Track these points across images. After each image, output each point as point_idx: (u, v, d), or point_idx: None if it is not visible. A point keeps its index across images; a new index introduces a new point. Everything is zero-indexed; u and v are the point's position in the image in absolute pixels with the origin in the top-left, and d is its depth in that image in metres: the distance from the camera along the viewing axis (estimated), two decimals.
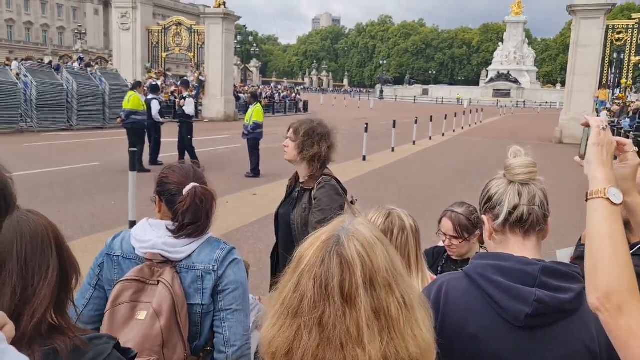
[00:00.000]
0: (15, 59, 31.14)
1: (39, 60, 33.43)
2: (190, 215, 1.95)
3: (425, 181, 13.08)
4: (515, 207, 1.48)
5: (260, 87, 52.19)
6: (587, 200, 1.35)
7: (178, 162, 2.16)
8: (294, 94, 46.42)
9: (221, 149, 16.78)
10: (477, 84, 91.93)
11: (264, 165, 12.58)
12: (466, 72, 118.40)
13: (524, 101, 71.71)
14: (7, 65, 24.91)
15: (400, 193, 11.23)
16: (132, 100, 12.62)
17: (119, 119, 13.06)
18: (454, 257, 2.80)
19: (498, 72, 78.38)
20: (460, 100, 68.99)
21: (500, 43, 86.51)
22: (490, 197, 1.54)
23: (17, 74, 20.46)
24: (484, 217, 1.56)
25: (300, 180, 3.21)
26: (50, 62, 33.43)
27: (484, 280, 1.44)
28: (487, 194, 1.56)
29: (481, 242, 2.77)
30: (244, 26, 65.52)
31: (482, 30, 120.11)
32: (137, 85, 13.64)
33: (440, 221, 2.78)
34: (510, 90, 75.14)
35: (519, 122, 39.59)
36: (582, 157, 1.46)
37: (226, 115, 28.56)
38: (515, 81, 76.37)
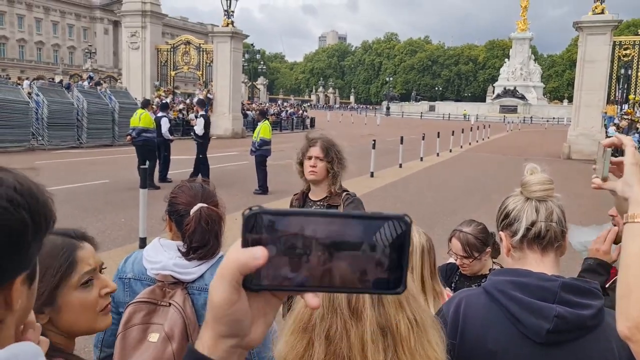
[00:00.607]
0: (27, 78, 31.57)
1: (50, 80, 33.85)
2: (198, 237, 1.93)
3: (433, 197, 13.03)
4: (533, 224, 1.48)
5: (268, 104, 52.52)
6: (625, 223, 1.32)
7: (188, 180, 2.15)
8: (301, 111, 46.66)
9: (229, 165, 16.84)
10: (483, 100, 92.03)
11: (271, 182, 12.60)
12: (472, 89, 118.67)
13: (531, 117, 71.64)
14: (19, 84, 25.22)
15: (408, 209, 11.15)
16: (143, 118, 12.76)
17: (128, 137, 13.18)
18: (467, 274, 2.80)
19: (504, 88, 78.46)
20: (467, 117, 69.02)
21: (506, 59, 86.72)
22: (508, 214, 1.54)
23: (29, 93, 20.72)
24: (502, 234, 1.56)
25: (318, 198, 3.20)
26: (61, 81, 33.87)
27: (504, 296, 1.44)
28: (504, 211, 1.56)
29: (493, 257, 2.78)
30: (252, 44, 66.23)
31: (488, 47, 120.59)
32: (146, 104, 13.81)
33: (450, 240, 2.78)
34: (517, 106, 75.14)
35: (527, 138, 39.50)
36: (605, 179, 1.43)
37: (234, 133, 28.72)
38: (522, 97, 76.38)
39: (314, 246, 0.60)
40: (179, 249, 1.97)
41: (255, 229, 0.61)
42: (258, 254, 0.59)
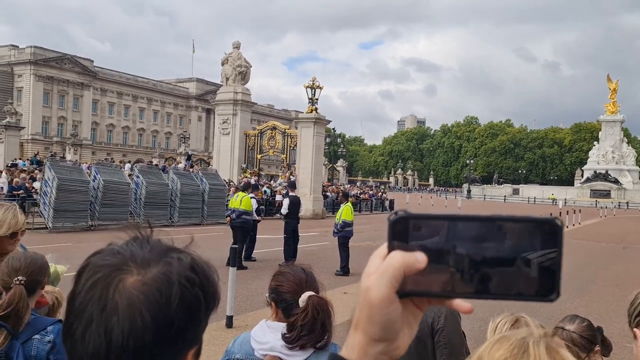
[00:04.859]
0: (129, 162, 34.46)
1: (149, 162, 36.70)
2: (308, 327, 1.98)
3: None
4: None
5: (348, 186, 53.34)
6: None
7: (288, 266, 2.24)
8: (380, 193, 46.91)
9: (310, 246, 17.06)
10: (571, 183, 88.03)
11: (352, 263, 12.58)
12: (559, 172, 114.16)
13: (627, 202, 67.07)
14: (121, 167, 27.54)
15: None
16: (245, 202, 13.19)
17: (228, 218, 13.64)
18: None
19: (595, 172, 74.77)
20: (555, 201, 66.03)
21: (595, 142, 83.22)
22: None
23: (129, 175, 22.52)
24: (636, 331, 1.50)
25: None
26: (157, 164, 36.60)
27: None
28: (638, 307, 1.51)
29: (605, 355, 2.52)
30: (333, 129, 68.86)
31: (574, 130, 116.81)
32: (247, 187, 14.00)
33: None
34: (610, 190, 70.96)
35: (623, 224, 36.95)
36: None
37: (314, 213, 29.24)
38: (615, 181, 72.23)
39: (464, 260, 0.60)
40: (283, 335, 2.02)
41: (401, 234, 0.61)
42: (421, 257, 0.59)
